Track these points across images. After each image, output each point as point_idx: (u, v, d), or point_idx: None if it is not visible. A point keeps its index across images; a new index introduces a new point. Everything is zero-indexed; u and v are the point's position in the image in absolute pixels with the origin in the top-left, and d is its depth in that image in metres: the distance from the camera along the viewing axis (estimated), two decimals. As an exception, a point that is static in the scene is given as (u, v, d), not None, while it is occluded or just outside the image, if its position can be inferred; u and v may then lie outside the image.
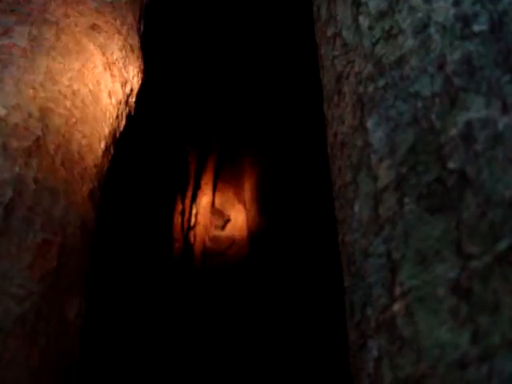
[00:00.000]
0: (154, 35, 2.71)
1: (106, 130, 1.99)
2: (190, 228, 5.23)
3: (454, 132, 1.07)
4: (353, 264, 1.25)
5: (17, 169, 1.61)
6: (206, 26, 4.95)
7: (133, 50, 2.20)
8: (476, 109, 1.06)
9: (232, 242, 5.39)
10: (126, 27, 2.17)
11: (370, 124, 1.28)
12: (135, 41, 2.25)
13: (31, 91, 1.74)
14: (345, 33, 1.52)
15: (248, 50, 5.14)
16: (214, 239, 5.42)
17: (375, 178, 1.21)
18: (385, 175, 1.18)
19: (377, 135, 1.24)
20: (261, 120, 5.34)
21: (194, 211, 5.32)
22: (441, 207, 1.03)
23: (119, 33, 2.11)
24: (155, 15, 2.63)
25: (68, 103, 1.82)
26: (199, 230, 5.35)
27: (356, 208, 1.28)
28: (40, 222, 1.60)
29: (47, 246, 1.59)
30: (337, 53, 1.54)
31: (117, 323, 3.67)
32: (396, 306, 1.05)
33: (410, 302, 1.02)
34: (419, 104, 1.16)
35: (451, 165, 1.04)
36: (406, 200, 1.10)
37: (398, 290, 1.06)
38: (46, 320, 1.53)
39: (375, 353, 1.08)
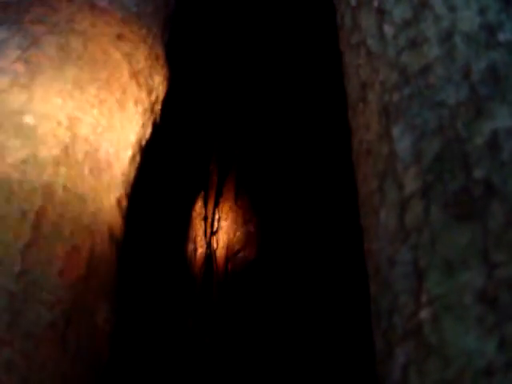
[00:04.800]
0: (180, 44, 2.73)
1: (133, 138, 2.02)
2: (213, 233, 5.24)
3: (479, 141, 1.08)
4: (378, 272, 1.26)
5: (46, 177, 1.64)
6: (231, 35, 4.98)
7: (158, 59, 2.23)
8: (502, 118, 1.07)
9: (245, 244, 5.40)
10: (151, 36, 2.20)
11: (395, 132, 1.29)
12: (160, 50, 2.27)
13: (59, 100, 1.77)
14: (369, 41, 1.53)
15: (275, 61, 5.16)
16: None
17: (401, 186, 1.22)
18: (411, 183, 1.19)
19: (402, 143, 1.25)
20: (282, 129, 5.35)
21: (216, 216, 5.34)
22: (467, 216, 1.04)
23: (145, 42, 2.14)
24: (180, 24, 2.66)
25: (95, 112, 1.85)
26: (222, 235, 5.37)
27: (382, 216, 1.29)
28: (69, 228, 1.63)
29: (76, 253, 1.62)
30: (361, 61, 1.55)
31: (143, 328, 3.69)
32: (423, 314, 1.06)
33: (437, 309, 1.03)
34: (445, 113, 1.17)
35: (477, 174, 1.05)
36: (433, 208, 1.11)
37: (424, 298, 1.07)
38: (76, 326, 1.56)
39: (402, 360, 1.09)
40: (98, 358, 1.68)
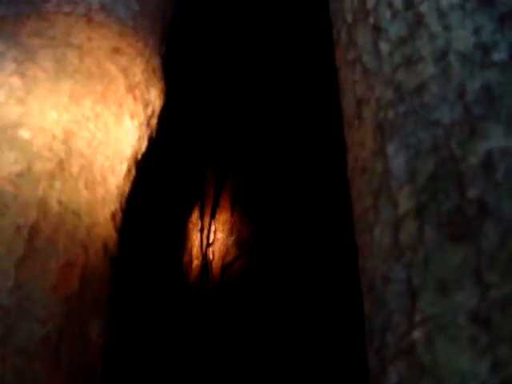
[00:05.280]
0: (176, 56, 2.74)
1: (128, 152, 2.02)
2: (209, 245, 5.24)
3: (474, 161, 1.08)
4: (373, 290, 1.25)
5: (41, 191, 1.64)
6: (229, 47, 4.99)
7: (155, 72, 2.23)
8: (496, 138, 1.07)
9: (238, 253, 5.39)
10: (148, 49, 2.20)
11: (390, 150, 1.29)
12: (157, 63, 2.27)
13: (55, 114, 1.77)
14: (365, 58, 1.53)
15: (272, 72, 5.16)
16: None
17: (395, 205, 1.22)
18: (405, 202, 1.19)
19: (397, 162, 1.25)
20: (279, 139, 5.35)
21: (212, 228, 5.34)
22: (461, 235, 1.04)
23: (141, 55, 2.14)
24: (177, 36, 2.66)
25: (91, 125, 1.85)
26: (218, 246, 5.36)
27: (376, 233, 1.28)
28: (63, 243, 1.63)
29: (70, 268, 1.62)
30: (357, 78, 1.55)
31: (136, 341, 3.68)
32: (416, 333, 1.05)
33: (430, 329, 1.03)
34: (439, 132, 1.17)
35: (471, 194, 1.05)
36: (427, 227, 1.11)
37: (418, 317, 1.06)
38: (69, 341, 1.55)
39: (395, 379, 1.08)
40: (91, 372, 1.67)
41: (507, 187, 1.01)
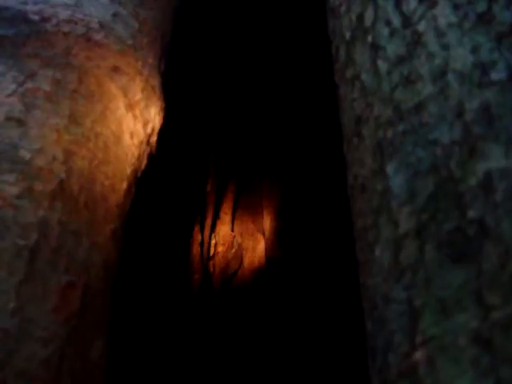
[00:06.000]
0: (175, 72, 2.74)
1: (128, 170, 2.02)
2: (210, 258, 5.24)
3: (473, 181, 1.08)
4: (374, 309, 1.25)
5: (41, 212, 1.64)
6: (228, 64, 5.00)
7: (154, 91, 2.23)
8: (495, 158, 1.07)
9: (240, 263, 5.39)
10: (147, 68, 2.21)
11: (389, 169, 1.29)
12: (156, 81, 2.28)
13: (55, 134, 1.77)
14: (364, 76, 1.53)
15: (266, 82, 5.17)
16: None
17: (396, 224, 1.22)
18: (405, 221, 1.19)
19: (397, 181, 1.25)
20: (279, 149, 5.36)
21: (213, 242, 5.34)
22: (461, 256, 1.04)
23: (141, 74, 2.15)
24: (176, 53, 2.67)
25: (91, 145, 1.85)
26: (218, 260, 5.36)
27: (377, 252, 1.28)
28: (64, 264, 1.63)
29: (71, 288, 1.61)
30: (356, 95, 1.56)
31: (140, 359, 3.67)
32: (417, 355, 1.05)
33: (432, 350, 1.03)
34: (438, 151, 1.17)
35: (471, 214, 1.05)
36: (427, 247, 1.11)
37: (419, 338, 1.06)
38: (71, 362, 1.55)
39: (397, 401, 1.08)
40: (94, 393, 1.67)
41: (507, 208, 1.01)
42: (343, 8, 1.72)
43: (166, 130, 2.44)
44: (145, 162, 2.16)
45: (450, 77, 1.24)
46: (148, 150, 2.19)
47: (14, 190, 1.63)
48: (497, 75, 1.18)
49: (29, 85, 1.83)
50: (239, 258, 5.48)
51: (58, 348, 1.52)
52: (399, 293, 1.16)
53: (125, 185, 1.98)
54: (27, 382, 1.41)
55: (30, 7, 2.00)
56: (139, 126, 2.09)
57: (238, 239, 5.57)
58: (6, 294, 1.48)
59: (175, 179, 4.53)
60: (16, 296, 1.49)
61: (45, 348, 1.48)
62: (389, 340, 1.16)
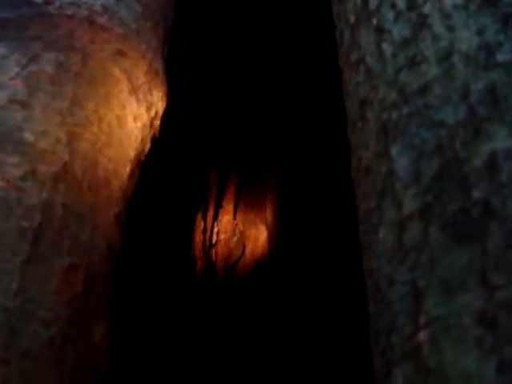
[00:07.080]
0: (179, 56, 2.74)
1: (132, 154, 2.02)
2: (212, 246, 5.24)
3: (478, 162, 1.08)
4: (377, 291, 1.25)
5: (45, 194, 1.64)
6: (231, 46, 4.99)
7: (157, 74, 2.23)
8: (500, 139, 1.07)
9: (243, 250, 5.40)
10: (150, 52, 2.20)
11: (394, 151, 1.29)
12: (160, 65, 2.28)
13: (59, 117, 1.77)
14: (368, 59, 1.53)
15: (271, 72, 5.16)
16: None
17: (400, 206, 1.22)
18: (409, 203, 1.19)
19: (401, 163, 1.25)
20: (282, 139, 5.35)
21: (215, 229, 5.34)
22: (466, 237, 1.04)
23: (144, 57, 2.14)
24: (180, 37, 2.66)
25: (94, 128, 1.85)
26: (221, 247, 5.37)
27: (381, 234, 1.28)
28: (67, 246, 1.63)
29: (74, 271, 1.62)
30: (360, 79, 1.55)
31: (141, 344, 3.68)
32: (421, 335, 1.05)
33: (436, 331, 1.03)
34: (443, 133, 1.17)
35: (476, 195, 1.05)
36: (431, 228, 1.11)
37: (423, 319, 1.06)
38: (73, 343, 1.55)
39: (401, 381, 1.08)
40: (96, 374, 1.67)
41: (512, 188, 1.01)
42: (348, -8, 1.72)
43: (169, 122, 2.44)
44: (148, 145, 2.16)
45: (456, 58, 1.24)
46: (151, 133, 2.18)
47: (17, 172, 1.63)
48: (502, 57, 1.18)
49: (32, 67, 1.82)
50: (241, 245, 5.48)
51: (61, 329, 1.52)
52: (403, 274, 1.15)
53: (128, 168, 1.98)
54: (31, 361, 1.41)
55: (33, -10, 2.00)
56: (142, 110, 2.09)
57: (240, 227, 5.57)
58: (9, 275, 1.48)
59: (178, 168, 4.53)
60: (19, 277, 1.49)
61: (48, 328, 1.48)
62: (392, 321, 1.16)
